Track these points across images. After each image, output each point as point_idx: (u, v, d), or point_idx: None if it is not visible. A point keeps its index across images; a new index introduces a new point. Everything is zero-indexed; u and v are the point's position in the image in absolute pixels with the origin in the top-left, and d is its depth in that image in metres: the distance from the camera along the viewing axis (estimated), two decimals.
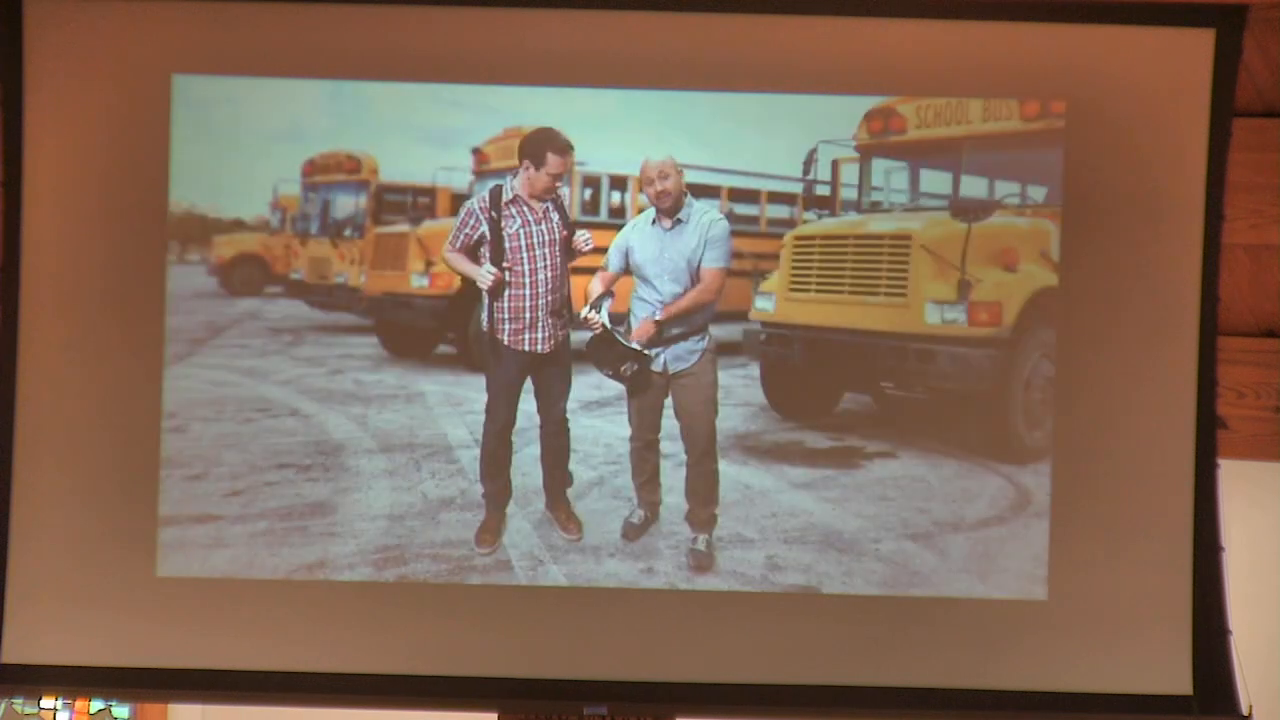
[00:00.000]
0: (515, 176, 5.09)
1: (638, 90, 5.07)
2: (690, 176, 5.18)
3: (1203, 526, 5.05)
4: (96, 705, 6.48)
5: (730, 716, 5.14)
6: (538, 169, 5.05)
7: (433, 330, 5.59)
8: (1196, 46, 5.01)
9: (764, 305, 5.44)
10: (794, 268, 5.42)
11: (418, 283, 5.59)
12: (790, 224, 5.33)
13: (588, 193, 5.37)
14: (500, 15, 5.04)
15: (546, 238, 5.10)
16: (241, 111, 5.09)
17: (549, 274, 5.09)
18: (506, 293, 5.08)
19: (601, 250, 5.20)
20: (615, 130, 5.15)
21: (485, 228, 5.09)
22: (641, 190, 5.13)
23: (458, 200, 5.30)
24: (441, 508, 5.18)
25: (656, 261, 5.11)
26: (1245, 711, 5.04)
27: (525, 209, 5.08)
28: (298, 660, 5.08)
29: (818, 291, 5.41)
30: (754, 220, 5.46)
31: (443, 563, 5.14)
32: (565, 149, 5.07)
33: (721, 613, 5.07)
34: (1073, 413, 5.06)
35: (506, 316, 5.09)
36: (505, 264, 5.09)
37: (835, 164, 5.24)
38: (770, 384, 5.43)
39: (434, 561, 5.14)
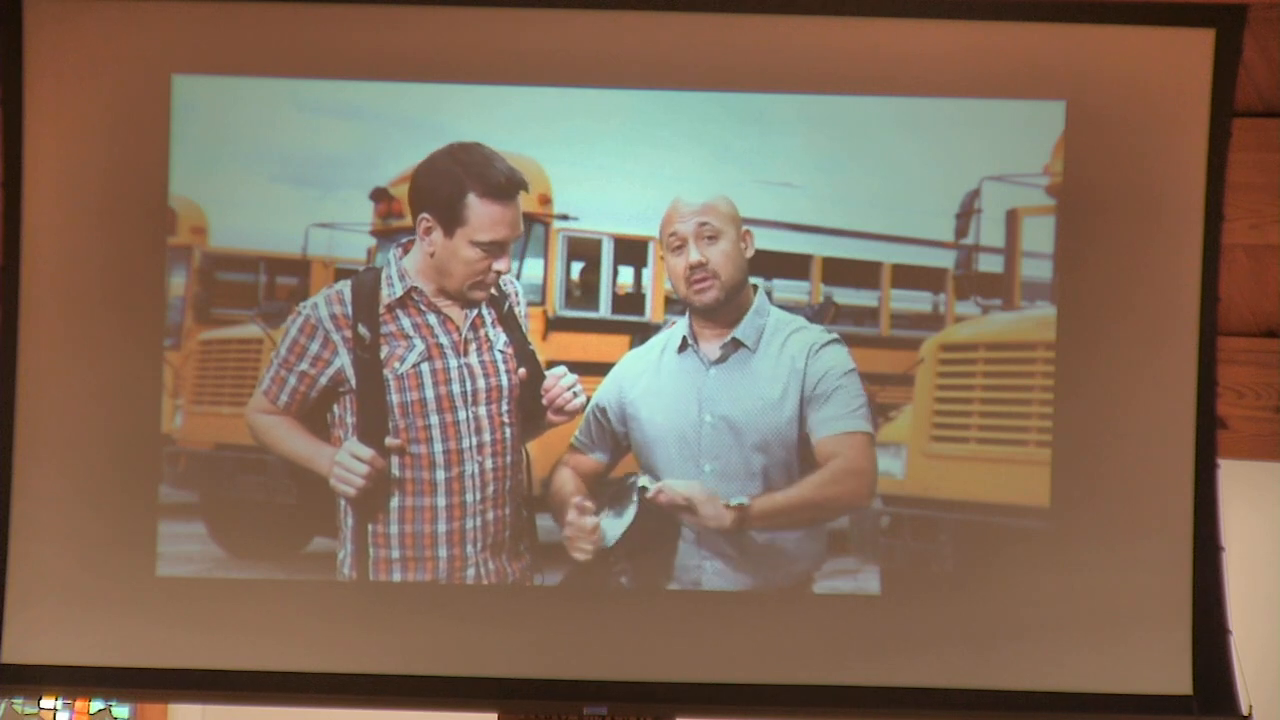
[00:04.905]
0: (399, 250, 3.20)
1: (654, 94, 4.99)
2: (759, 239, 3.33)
3: (1203, 526, 5.05)
4: (96, 705, 6.48)
5: (730, 716, 5.14)
6: (449, 232, 2.95)
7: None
8: (1196, 46, 5.01)
9: (887, 467, 3.76)
10: (941, 401, 3.81)
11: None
12: (933, 323, 3.71)
13: (576, 270, 3.46)
14: (502, 16, 5.01)
15: (482, 383, 3.06)
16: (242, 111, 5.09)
17: (494, 460, 3.02)
18: (395, 501, 3.31)
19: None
20: (626, 154, 3.42)
21: (343, 360, 3.14)
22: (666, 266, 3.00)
23: (344, 279, 3.38)
24: None
25: (683, 426, 3.00)
26: (1245, 711, 5.03)
27: (429, 320, 3.05)
28: (298, 660, 5.08)
29: (980, 443, 3.91)
30: (867, 318, 3.60)
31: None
32: (508, 185, 2.96)
33: (721, 613, 5.06)
34: (1072, 413, 5.06)
35: (395, 544, 3.13)
36: (393, 440, 3.13)
37: (1014, 216, 3.74)
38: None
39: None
